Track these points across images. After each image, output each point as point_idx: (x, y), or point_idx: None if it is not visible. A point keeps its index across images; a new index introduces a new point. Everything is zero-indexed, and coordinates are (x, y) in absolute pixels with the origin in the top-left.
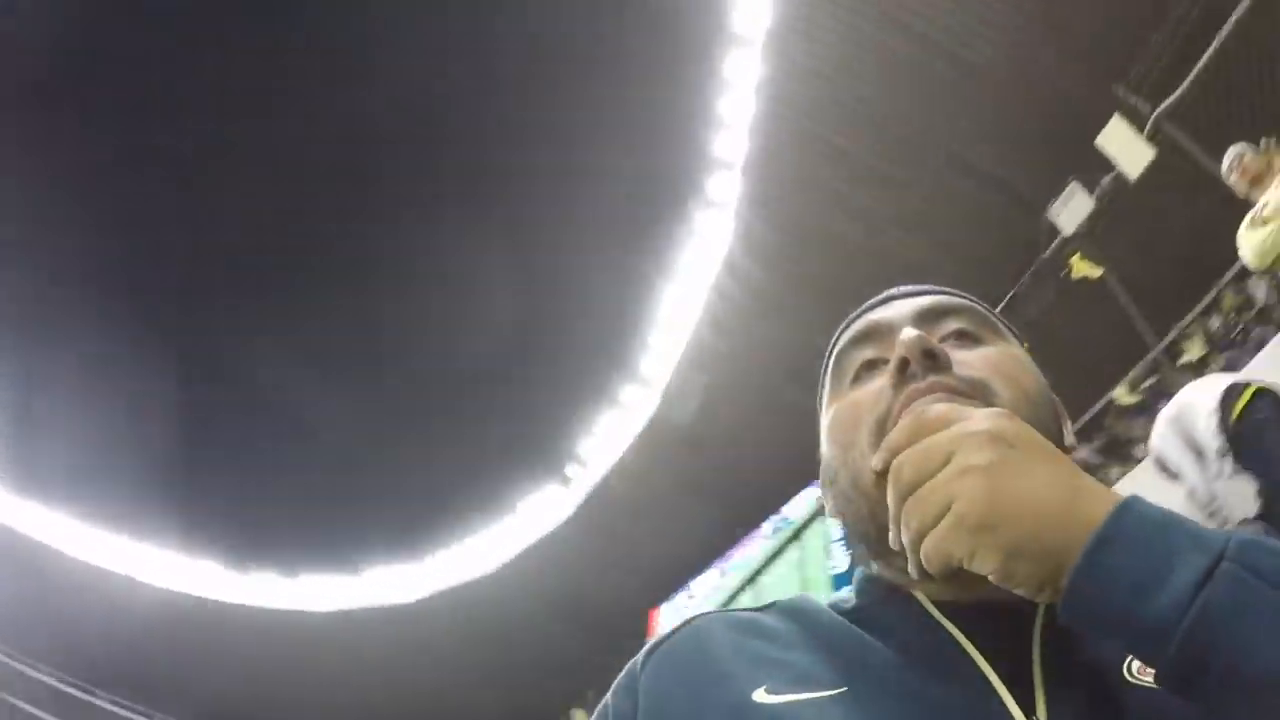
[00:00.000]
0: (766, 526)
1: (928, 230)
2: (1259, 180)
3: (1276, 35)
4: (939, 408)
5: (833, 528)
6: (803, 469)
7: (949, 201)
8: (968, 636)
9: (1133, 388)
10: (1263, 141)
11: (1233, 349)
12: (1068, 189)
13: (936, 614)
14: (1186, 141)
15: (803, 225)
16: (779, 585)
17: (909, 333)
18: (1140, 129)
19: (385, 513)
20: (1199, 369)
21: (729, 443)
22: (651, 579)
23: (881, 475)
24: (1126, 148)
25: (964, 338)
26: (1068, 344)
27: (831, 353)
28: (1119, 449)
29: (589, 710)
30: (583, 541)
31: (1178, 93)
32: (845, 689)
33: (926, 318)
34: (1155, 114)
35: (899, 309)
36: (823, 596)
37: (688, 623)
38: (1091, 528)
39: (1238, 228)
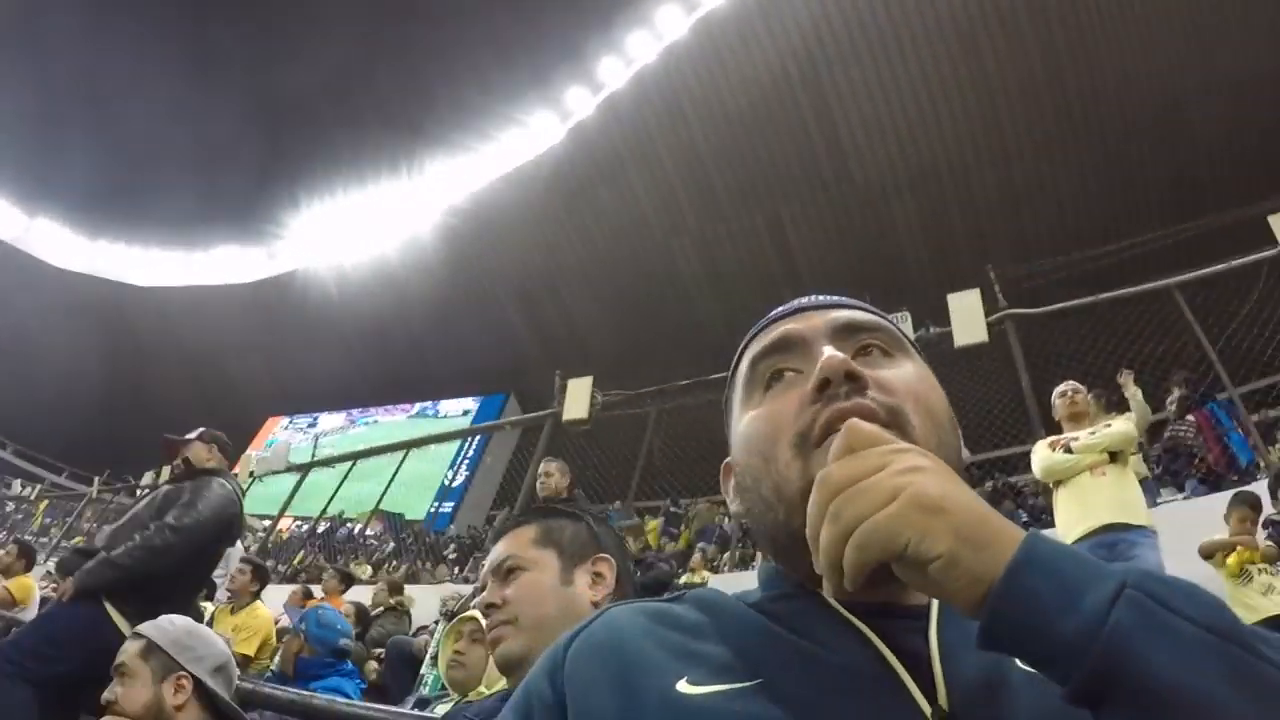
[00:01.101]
0: (415, 407)
1: None
2: (1078, 418)
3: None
4: (870, 426)
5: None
6: (472, 377)
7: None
8: (871, 631)
9: None
10: (1094, 393)
11: None
12: (901, 313)
13: (842, 610)
14: (1015, 337)
15: None
16: (399, 476)
17: (832, 355)
18: (988, 314)
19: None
20: None
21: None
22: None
23: (805, 496)
24: (968, 319)
25: (876, 352)
26: None
27: (741, 357)
28: None
29: None
30: None
31: (1035, 310)
32: (761, 680)
33: (841, 333)
34: (1005, 312)
35: (813, 322)
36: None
37: (603, 612)
38: (1010, 545)
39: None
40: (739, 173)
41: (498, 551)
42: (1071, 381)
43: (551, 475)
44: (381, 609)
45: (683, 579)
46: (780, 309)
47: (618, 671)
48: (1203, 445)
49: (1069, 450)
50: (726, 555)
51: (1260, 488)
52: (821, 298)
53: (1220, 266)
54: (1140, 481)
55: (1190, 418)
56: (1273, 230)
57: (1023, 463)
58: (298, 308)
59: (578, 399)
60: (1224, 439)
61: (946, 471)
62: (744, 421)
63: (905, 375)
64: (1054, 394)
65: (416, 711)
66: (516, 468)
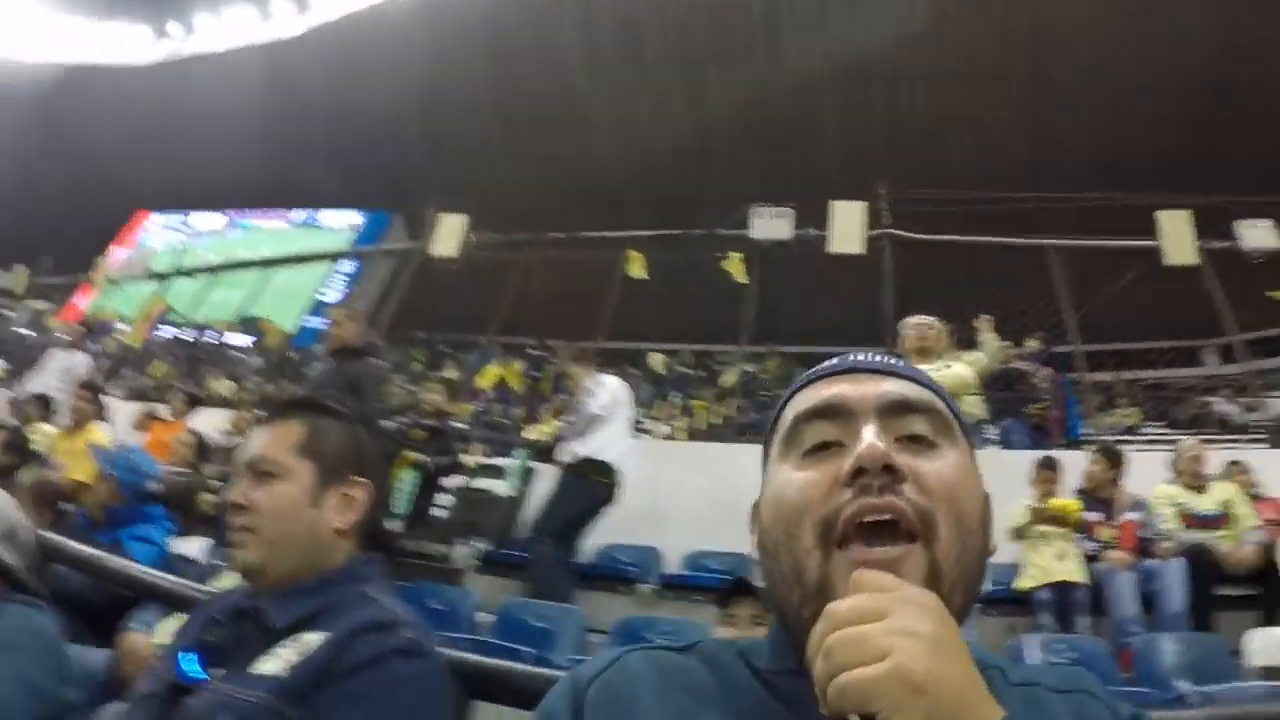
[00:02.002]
0: (297, 215)
1: None
2: (925, 352)
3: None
4: (881, 576)
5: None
6: (360, 191)
7: None
8: None
9: None
10: (949, 328)
11: None
12: (786, 209)
13: None
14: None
15: None
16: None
17: (872, 445)
18: (870, 228)
19: None
20: None
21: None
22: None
23: (820, 592)
24: (848, 229)
25: (920, 442)
26: None
27: (787, 404)
28: None
29: None
30: None
31: (915, 236)
32: None
33: (890, 411)
34: (886, 230)
35: (864, 390)
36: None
37: (622, 656)
38: None
39: None
40: (670, 31)
41: (256, 446)
42: (925, 316)
43: (340, 324)
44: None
45: (527, 432)
46: (833, 362)
47: None
48: (1049, 401)
49: None
50: None
51: (1078, 457)
52: (878, 359)
53: (1100, 242)
54: (974, 425)
55: (1048, 370)
56: (1159, 223)
57: None
58: (184, 97)
59: (450, 235)
60: (1068, 408)
61: (943, 641)
62: (778, 479)
63: (945, 472)
64: (906, 323)
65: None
66: (392, 289)
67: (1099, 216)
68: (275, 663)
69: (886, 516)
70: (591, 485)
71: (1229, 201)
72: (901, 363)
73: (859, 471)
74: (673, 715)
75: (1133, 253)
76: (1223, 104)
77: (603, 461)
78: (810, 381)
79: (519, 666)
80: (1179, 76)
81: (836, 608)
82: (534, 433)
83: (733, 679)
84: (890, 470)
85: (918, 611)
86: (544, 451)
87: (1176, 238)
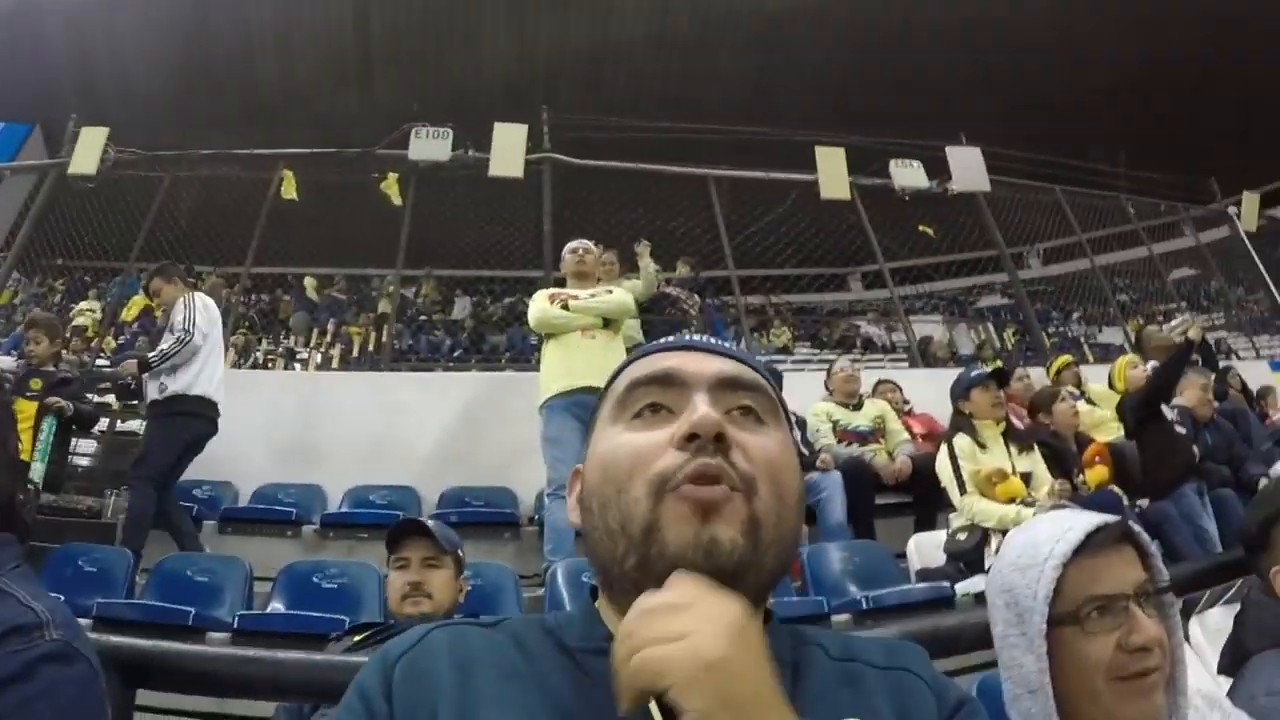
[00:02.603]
0: None
1: None
2: (584, 276)
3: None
4: (693, 578)
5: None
6: None
7: None
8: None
9: None
10: (601, 248)
11: None
12: (444, 130)
13: None
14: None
15: None
16: None
17: (707, 414)
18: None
19: None
20: None
21: None
22: None
23: (646, 535)
24: (509, 152)
25: (749, 415)
26: None
27: (619, 374)
28: None
29: None
30: None
31: (575, 160)
32: None
33: (723, 386)
34: (546, 154)
35: (699, 365)
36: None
37: (428, 633)
38: None
39: None
40: None
41: None
42: (584, 240)
43: None
44: None
45: None
46: (669, 339)
47: (434, 708)
48: (697, 325)
49: (566, 307)
50: (235, 338)
51: None
52: (714, 341)
53: (758, 174)
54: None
55: (696, 298)
56: (816, 157)
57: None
58: None
59: (88, 151)
60: (716, 333)
61: (740, 630)
62: (605, 441)
63: (768, 447)
64: (565, 248)
65: None
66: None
67: (755, 151)
68: None
69: (717, 480)
70: (191, 423)
71: (877, 143)
72: (736, 346)
73: (692, 437)
74: (476, 694)
75: (788, 185)
76: (885, 49)
77: (201, 396)
78: (645, 354)
79: (178, 647)
80: (840, 29)
81: (645, 599)
82: None
83: (540, 657)
84: (721, 439)
85: (721, 602)
86: (123, 390)
87: (831, 173)
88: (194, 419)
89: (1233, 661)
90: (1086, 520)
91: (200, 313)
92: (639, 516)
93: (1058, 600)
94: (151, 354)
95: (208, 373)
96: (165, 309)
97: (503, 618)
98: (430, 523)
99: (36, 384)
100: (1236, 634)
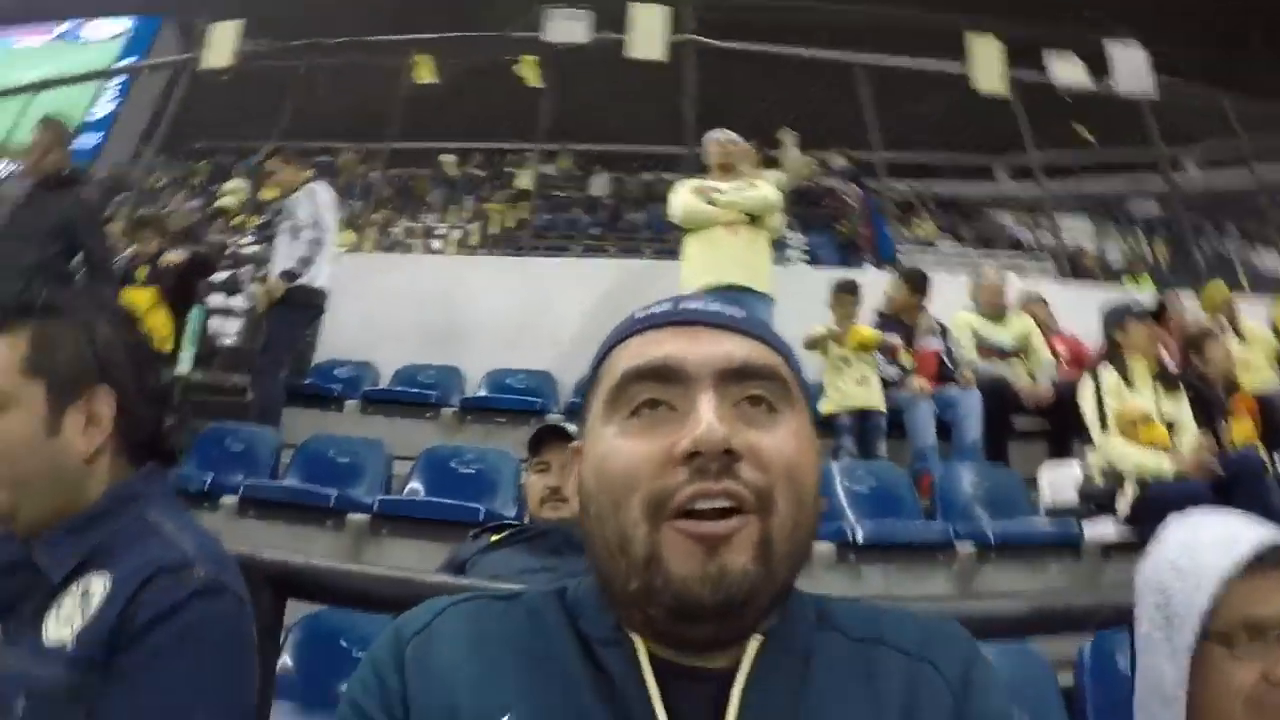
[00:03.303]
0: (57, 29)
1: None
2: (728, 169)
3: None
4: None
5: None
6: None
7: None
8: (668, 696)
9: None
10: (752, 143)
11: None
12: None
13: (647, 671)
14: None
15: None
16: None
17: (711, 428)
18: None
19: None
20: None
21: None
22: None
23: (647, 565)
24: (648, 33)
25: (759, 404)
26: None
27: (612, 351)
28: None
29: None
30: None
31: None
32: None
33: (731, 378)
34: (689, 36)
35: (702, 354)
36: None
37: (441, 612)
38: None
39: None
40: None
41: None
42: (729, 131)
43: (43, 146)
44: None
45: None
46: (664, 308)
47: (444, 699)
48: (857, 218)
49: (711, 202)
50: (375, 215)
51: (878, 277)
52: (715, 308)
53: (907, 60)
54: (775, 242)
55: (855, 188)
56: (969, 47)
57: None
58: None
59: (221, 45)
60: (877, 226)
61: None
62: (602, 443)
63: (784, 446)
64: (708, 137)
65: None
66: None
67: (904, 35)
68: (60, 627)
69: (724, 510)
70: (310, 314)
71: (1036, 35)
72: (742, 314)
73: (696, 455)
74: (483, 672)
75: (939, 76)
76: None
77: (320, 289)
78: (639, 329)
79: (329, 566)
80: None
81: None
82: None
83: (553, 638)
84: (729, 454)
85: None
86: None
87: (986, 64)
88: (313, 310)
89: None
90: (1256, 535)
91: (327, 209)
92: (638, 541)
93: (1211, 616)
94: (292, 265)
95: (326, 266)
96: (285, 192)
97: (520, 589)
98: (571, 427)
99: (142, 273)
100: None
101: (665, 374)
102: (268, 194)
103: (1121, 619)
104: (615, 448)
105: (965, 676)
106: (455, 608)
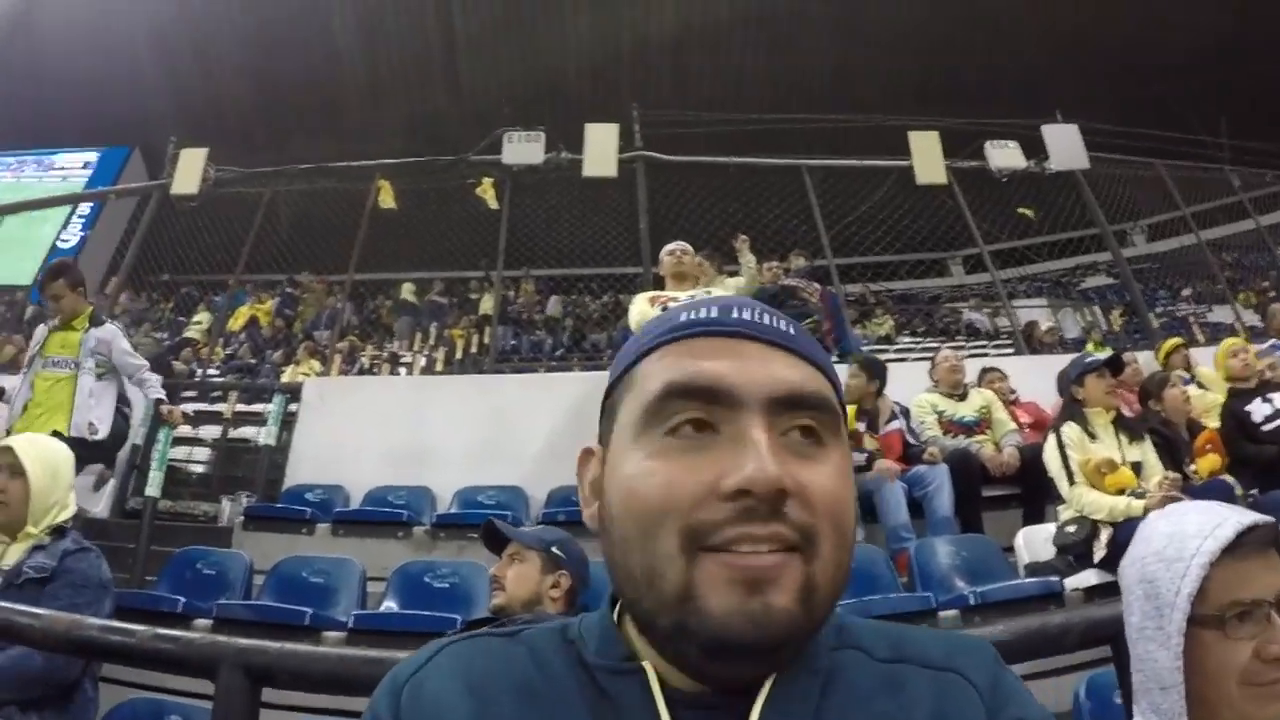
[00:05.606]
0: (25, 158)
1: None
2: (682, 278)
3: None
4: None
5: None
6: (95, 125)
7: None
8: None
9: None
10: (705, 252)
11: None
12: (537, 132)
13: (659, 702)
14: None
15: None
16: None
17: (764, 469)
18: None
19: None
20: None
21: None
22: None
23: (681, 601)
24: (601, 152)
25: (809, 435)
26: None
27: (651, 354)
28: None
29: None
30: None
31: (669, 158)
32: None
33: (782, 407)
34: (639, 153)
35: (753, 377)
36: None
37: (439, 650)
38: None
39: None
40: None
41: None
42: (681, 242)
43: (60, 298)
44: None
45: (285, 374)
46: (713, 314)
47: None
48: (820, 314)
49: (666, 309)
50: (341, 344)
51: (841, 369)
52: (768, 321)
53: (852, 161)
54: None
55: (816, 285)
56: (911, 143)
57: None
58: None
59: (189, 172)
60: (838, 320)
61: None
62: (631, 461)
63: (830, 485)
64: (663, 250)
65: None
66: (135, 230)
67: (847, 138)
68: None
69: (765, 548)
70: None
71: (970, 124)
72: (794, 330)
73: (744, 494)
74: (480, 708)
75: (884, 172)
76: (962, 29)
77: None
78: (682, 336)
79: (301, 649)
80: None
81: None
82: (291, 374)
83: (557, 673)
84: (781, 497)
85: None
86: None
87: (927, 157)
88: None
89: None
90: (1238, 518)
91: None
92: (671, 577)
93: (1199, 600)
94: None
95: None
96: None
97: (523, 626)
98: (499, 522)
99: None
100: None
101: (710, 395)
102: (235, 325)
103: (1096, 631)
104: (649, 470)
105: (995, 684)
106: (452, 646)
